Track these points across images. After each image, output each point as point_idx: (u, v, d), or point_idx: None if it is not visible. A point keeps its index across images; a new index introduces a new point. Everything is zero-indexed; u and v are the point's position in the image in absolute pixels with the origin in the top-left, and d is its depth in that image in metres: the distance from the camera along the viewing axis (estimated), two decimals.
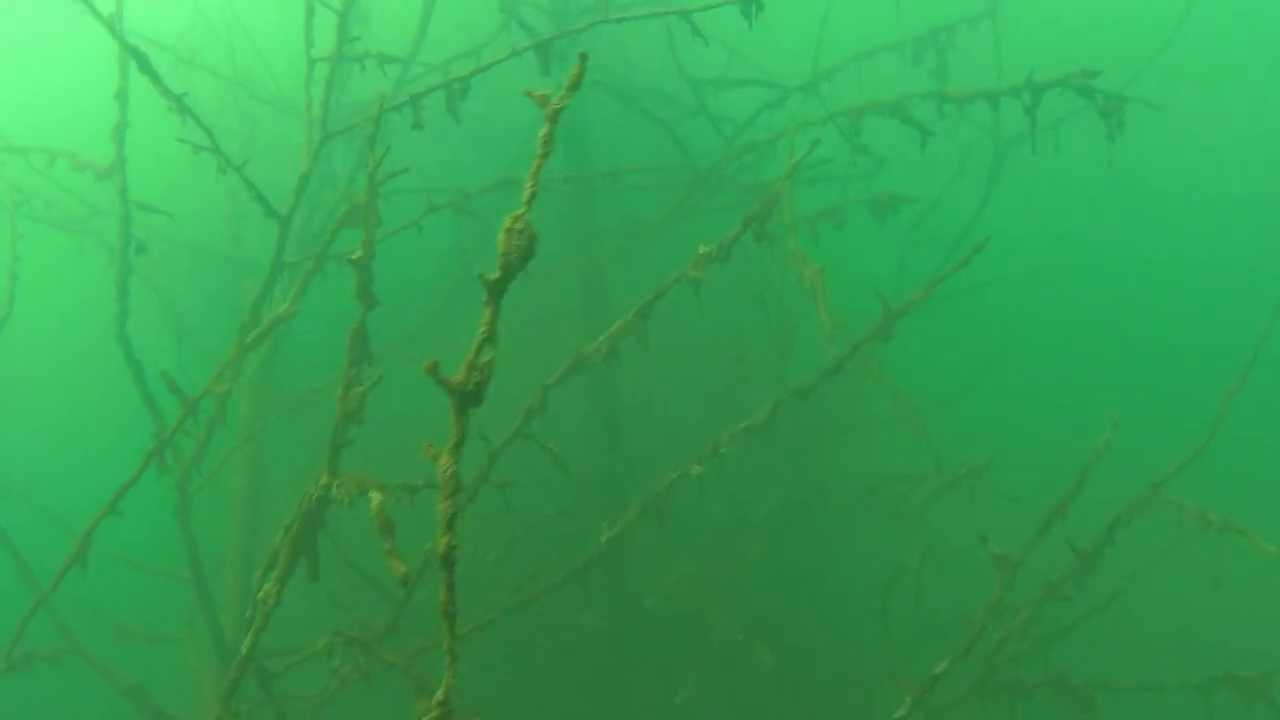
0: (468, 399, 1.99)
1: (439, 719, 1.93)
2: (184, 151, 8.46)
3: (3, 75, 10.82)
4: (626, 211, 7.54)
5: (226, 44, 7.81)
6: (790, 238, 4.62)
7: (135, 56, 3.73)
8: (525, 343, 7.32)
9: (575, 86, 1.91)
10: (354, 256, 3.29)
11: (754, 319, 6.98)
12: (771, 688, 5.91)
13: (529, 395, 4.50)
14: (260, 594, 3.38)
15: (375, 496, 2.95)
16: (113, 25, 3.51)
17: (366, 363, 3.39)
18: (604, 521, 4.50)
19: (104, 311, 5.00)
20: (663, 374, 7.85)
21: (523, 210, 1.91)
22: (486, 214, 6.95)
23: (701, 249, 4.10)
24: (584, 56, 1.92)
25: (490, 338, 1.97)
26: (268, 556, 3.58)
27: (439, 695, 1.95)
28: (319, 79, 4.20)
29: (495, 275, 1.93)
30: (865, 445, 7.37)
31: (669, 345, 7.83)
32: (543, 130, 1.93)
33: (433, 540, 4.27)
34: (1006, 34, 7.12)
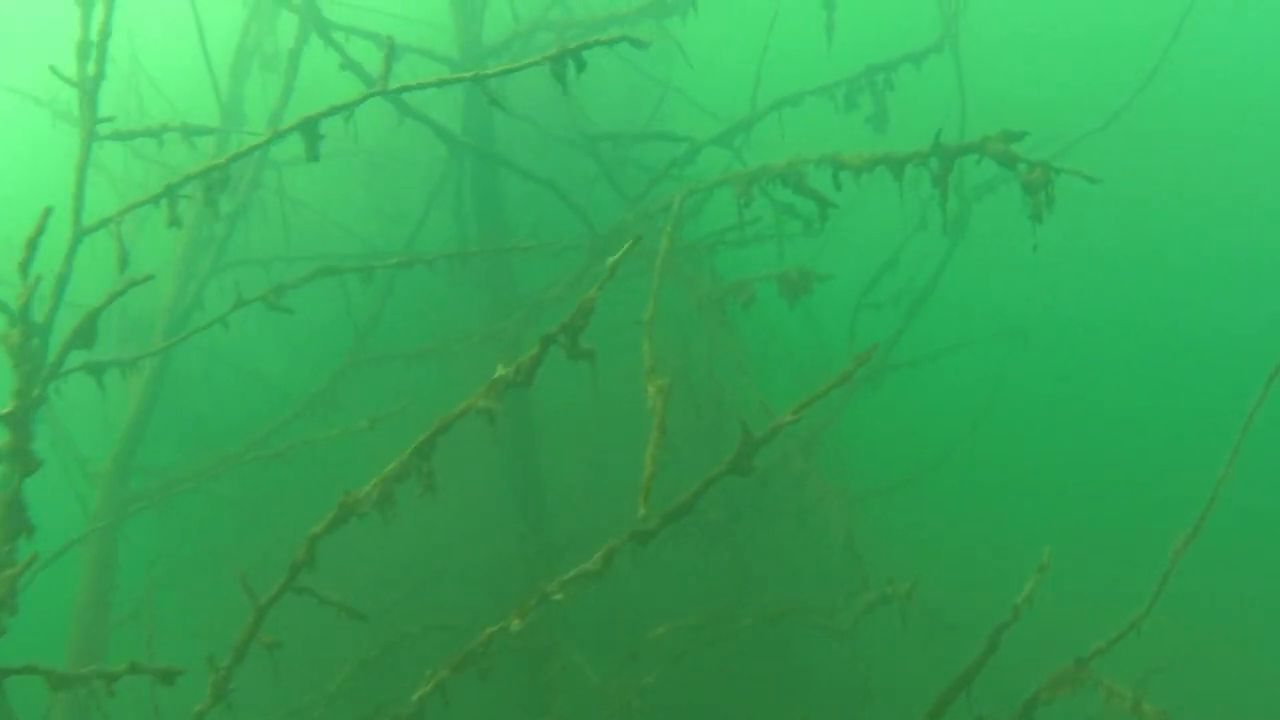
0: None
1: None
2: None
3: None
4: (562, 269, 6.90)
5: (136, 94, 7.38)
6: (645, 338, 3.87)
7: None
8: (444, 412, 6.72)
9: None
10: (4, 411, 2.66)
11: (681, 397, 6.24)
12: None
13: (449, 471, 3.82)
14: None
15: None
16: None
17: (26, 537, 2.75)
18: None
19: None
20: (592, 452, 7.19)
21: None
22: (383, 284, 6.38)
23: (500, 370, 3.40)
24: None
25: None
26: None
27: None
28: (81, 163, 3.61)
29: None
30: (816, 533, 6.58)
31: (601, 422, 7.16)
32: None
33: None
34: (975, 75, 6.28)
